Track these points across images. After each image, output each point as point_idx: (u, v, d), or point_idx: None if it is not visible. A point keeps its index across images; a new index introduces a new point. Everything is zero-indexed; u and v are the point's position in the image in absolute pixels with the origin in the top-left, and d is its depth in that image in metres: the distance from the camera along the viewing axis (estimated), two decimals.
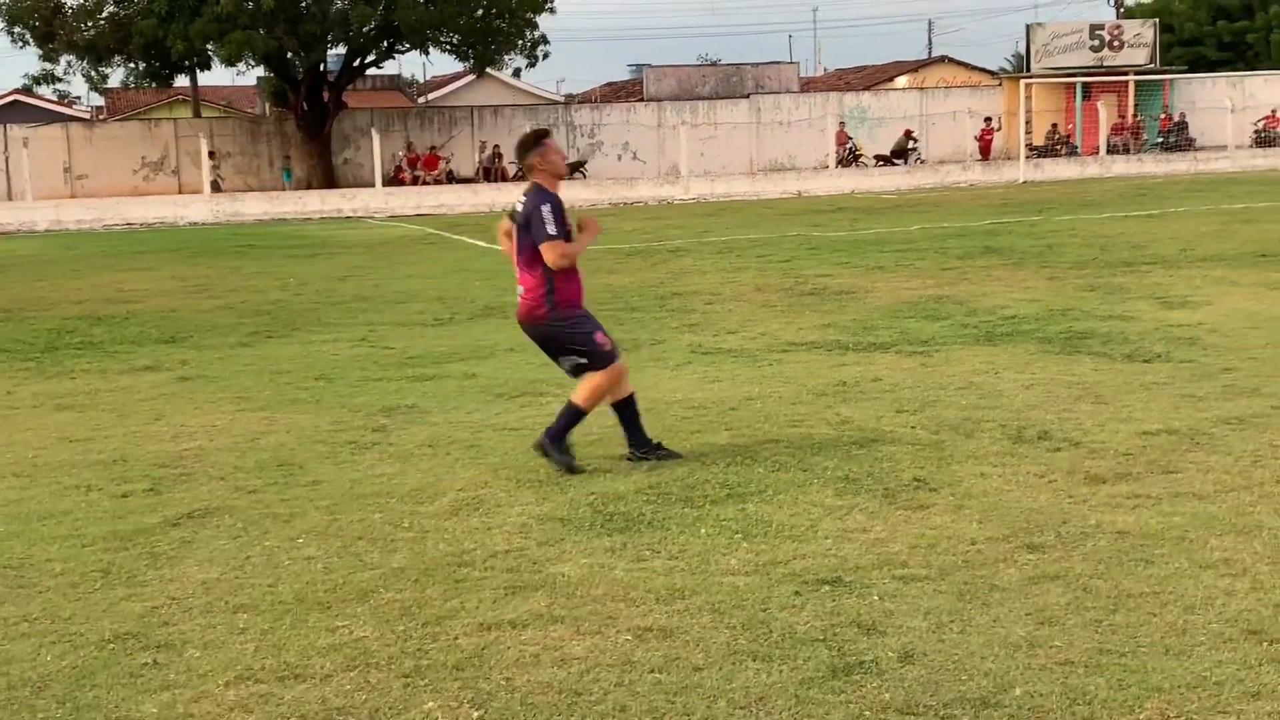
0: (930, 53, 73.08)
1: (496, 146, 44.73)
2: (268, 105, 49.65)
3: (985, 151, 46.04)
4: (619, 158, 47.00)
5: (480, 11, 40.75)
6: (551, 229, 7.16)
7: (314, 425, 8.90)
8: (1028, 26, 49.30)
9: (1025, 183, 38.14)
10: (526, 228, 7.26)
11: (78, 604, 5.52)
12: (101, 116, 58.37)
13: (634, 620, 5.09)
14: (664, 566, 5.70)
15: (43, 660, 4.92)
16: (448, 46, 42.37)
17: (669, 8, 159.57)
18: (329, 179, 42.18)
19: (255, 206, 35.99)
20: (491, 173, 43.82)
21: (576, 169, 44.71)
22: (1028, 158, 41.16)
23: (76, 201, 37.76)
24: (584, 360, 7.42)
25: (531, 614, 5.20)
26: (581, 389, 7.44)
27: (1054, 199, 29.81)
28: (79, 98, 59.86)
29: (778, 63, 53.69)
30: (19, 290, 18.59)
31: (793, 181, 39.49)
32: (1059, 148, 46.01)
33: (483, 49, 41.99)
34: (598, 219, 7.72)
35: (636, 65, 63.76)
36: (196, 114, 50.97)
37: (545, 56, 43.69)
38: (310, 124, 42.91)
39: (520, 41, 42.48)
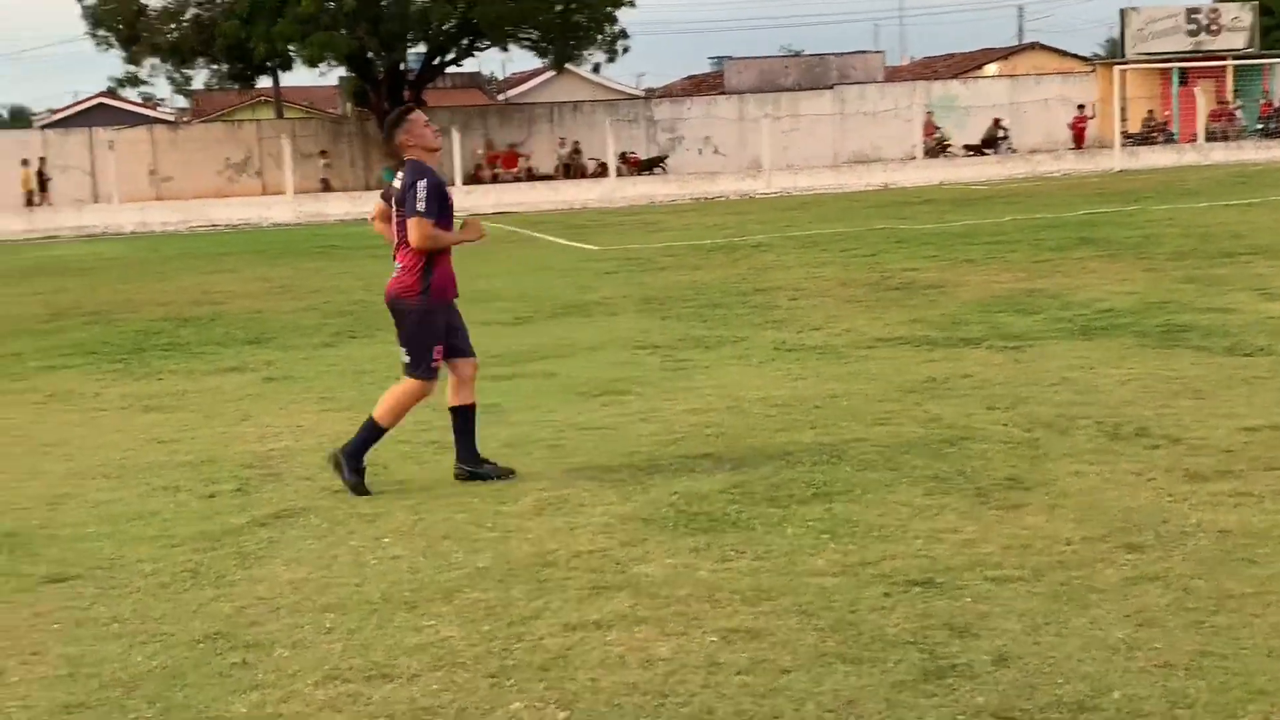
0: (1021, 39, 72.26)
1: (576, 143, 44.84)
2: (349, 105, 50.17)
3: (1079, 140, 45.42)
4: (700, 152, 46.93)
5: (560, 7, 40.88)
6: (422, 205, 6.98)
7: (397, 426, 8.91)
8: (1122, 11, 48.54)
9: (1120, 171, 37.58)
10: (402, 205, 7.10)
11: (168, 604, 5.56)
12: (185, 119, 59.31)
13: (720, 621, 5.03)
14: (749, 567, 5.63)
15: (133, 660, 4.95)
16: (527, 43, 42.55)
17: None
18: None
19: (337, 207, 36.35)
20: (571, 169, 43.93)
21: (656, 164, 44.73)
22: (1123, 145, 40.55)
23: (162, 203, 38.38)
24: (405, 361, 7.26)
25: (616, 614, 5.15)
26: (381, 404, 7.30)
27: (1150, 188, 29.32)
28: (163, 100, 60.90)
29: (862, 52, 53.35)
30: (106, 292, 18.89)
31: (878, 173, 39.21)
32: (1155, 135, 45.29)
33: (562, 45, 42.11)
34: (481, 223, 7.43)
35: (718, 58, 63.79)
36: (279, 115, 51.61)
37: (625, 51, 43.78)
38: None
39: (600, 36, 42.54)
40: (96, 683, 4.76)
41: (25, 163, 40.60)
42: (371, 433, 7.26)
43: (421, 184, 7.01)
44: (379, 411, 7.27)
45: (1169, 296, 12.83)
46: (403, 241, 7.15)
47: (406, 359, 7.24)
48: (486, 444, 8.18)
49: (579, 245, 23.19)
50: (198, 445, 8.65)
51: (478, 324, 13.58)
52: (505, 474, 7.32)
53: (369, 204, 40.22)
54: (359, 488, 7.16)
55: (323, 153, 39.68)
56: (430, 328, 7.19)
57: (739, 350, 11.26)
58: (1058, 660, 4.54)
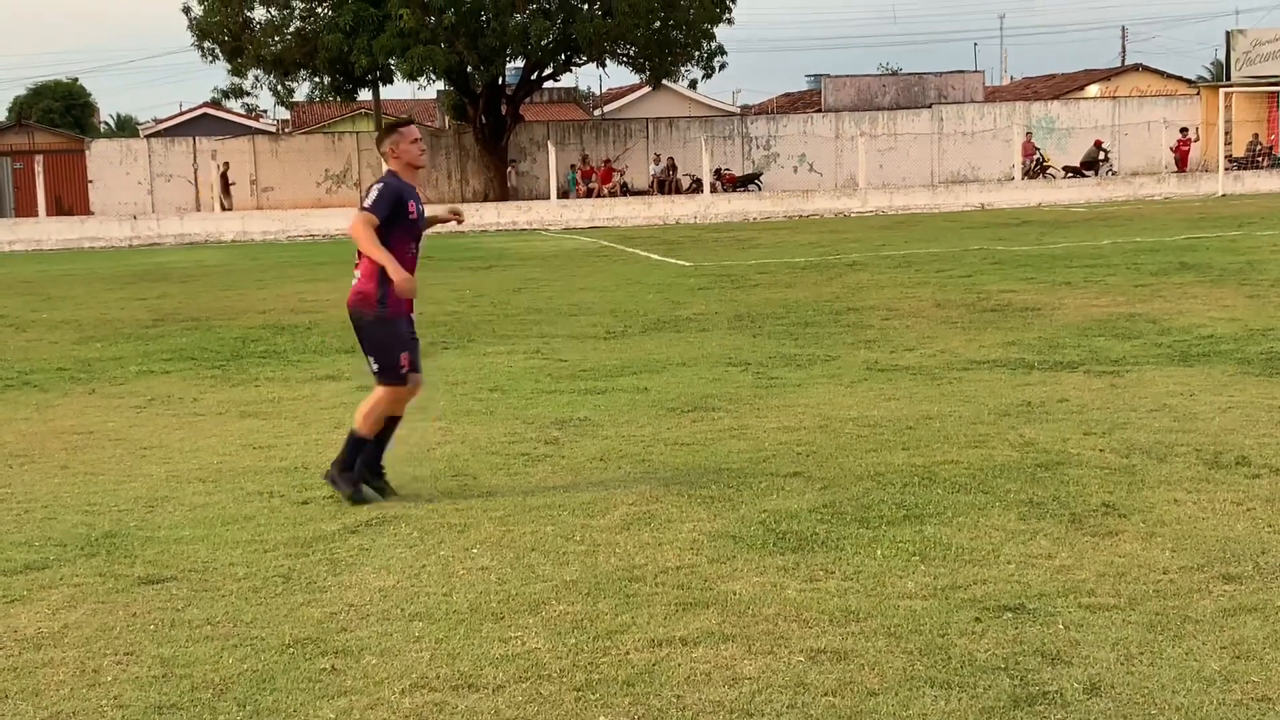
0: (1123, 61, 71.20)
1: (671, 159, 44.92)
2: (447, 118, 50.68)
3: (1181, 163, 44.70)
4: (795, 169, 46.82)
5: (657, 24, 40.98)
6: (368, 202, 7.08)
7: (488, 436, 8.98)
8: (1228, 33, 47.73)
9: (1224, 196, 36.92)
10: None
11: (259, 608, 5.62)
12: (286, 130, 60.21)
13: (807, 641, 4.99)
14: (838, 587, 5.58)
15: (224, 663, 5.02)
16: (624, 59, 42.70)
17: (848, 17, 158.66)
18: (505, 191, 42.82)
19: None
20: (666, 185, 44.00)
21: (751, 181, 44.68)
22: (1226, 170, 39.85)
23: (262, 213, 39.03)
24: (374, 369, 7.29)
25: (702, 631, 5.13)
26: (360, 413, 7.34)
27: (1255, 213, 28.76)
28: (265, 111, 61.92)
29: (961, 71, 52.94)
30: (206, 300, 19.22)
31: (975, 194, 38.86)
32: (1260, 159, 44.42)
33: (659, 61, 42.21)
34: (413, 284, 7.16)
35: (815, 75, 63.49)
36: (378, 127, 52.17)
37: (722, 68, 43.75)
38: (488, 137, 43.64)
39: (697, 53, 42.60)
40: (188, 684, 4.83)
41: (224, 166, 41.40)
42: (356, 444, 7.36)
43: (378, 186, 7.18)
44: (357, 422, 7.37)
45: (1272, 324, 12.56)
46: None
47: (375, 368, 7.32)
48: (576, 456, 8.21)
49: (672, 261, 23.21)
50: (292, 452, 8.76)
51: (571, 337, 13.70)
52: (373, 497, 7.31)
53: (465, 217, 40.18)
54: (357, 497, 7.26)
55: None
56: (393, 335, 7.27)
57: (831, 369, 11.19)
58: (1151, 691, 4.45)
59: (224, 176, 40.97)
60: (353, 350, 13.34)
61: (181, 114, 66.61)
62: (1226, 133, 42.10)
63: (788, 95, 66.20)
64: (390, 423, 7.46)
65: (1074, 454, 7.76)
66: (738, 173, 45.55)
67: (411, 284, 7.18)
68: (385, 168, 7.45)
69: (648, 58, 42.04)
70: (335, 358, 12.98)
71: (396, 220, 7.16)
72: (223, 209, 39.73)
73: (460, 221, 8.10)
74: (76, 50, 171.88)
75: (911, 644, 4.92)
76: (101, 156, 44.05)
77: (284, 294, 19.51)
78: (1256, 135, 45.86)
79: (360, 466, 7.37)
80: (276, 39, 41.77)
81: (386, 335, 7.26)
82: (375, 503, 7.27)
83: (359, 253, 7.26)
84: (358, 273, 7.30)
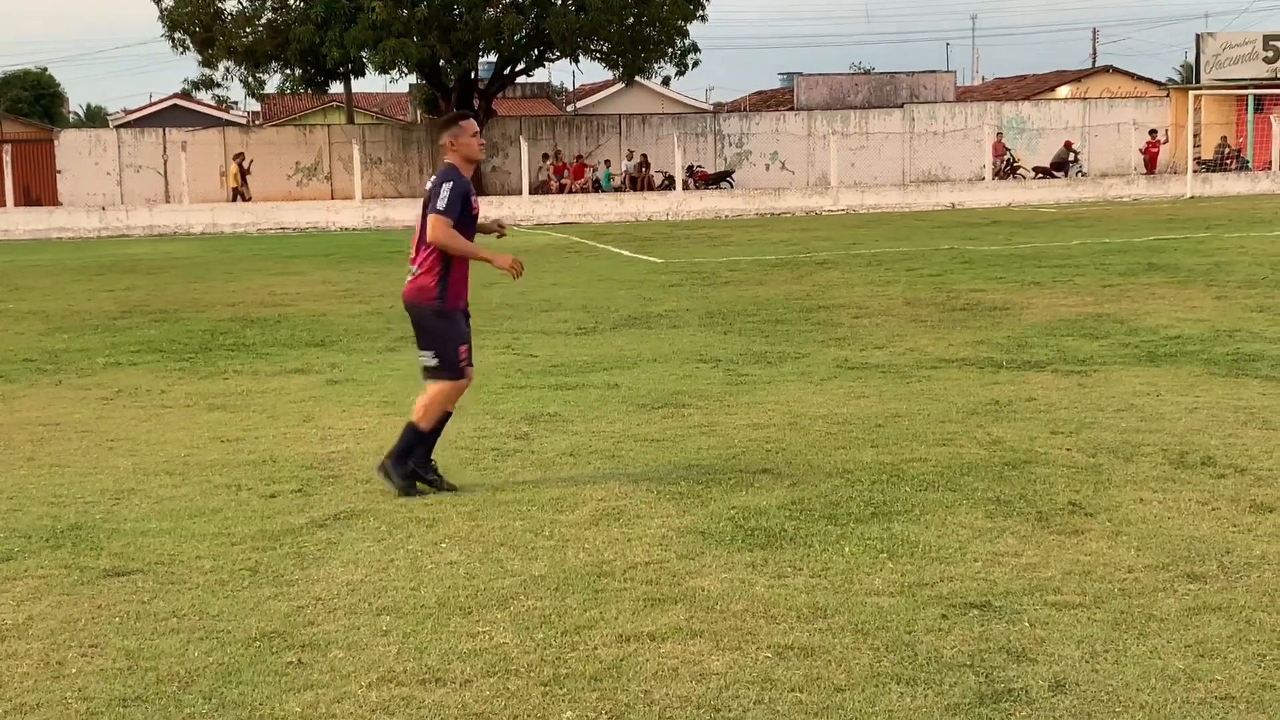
0: (1094, 62, 71.51)
1: (644, 155, 44.92)
2: (419, 112, 50.54)
3: (1151, 165, 44.95)
4: (767, 167, 46.90)
5: (631, 20, 40.97)
6: (443, 204, 7.03)
7: (458, 431, 8.95)
8: (1198, 36, 48.03)
9: (1192, 198, 37.14)
10: (427, 205, 7.14)
11: (226, 601, 5.60)
12: (257, 122, 59.95)
13: (775, 637, 5.00)
14: (806, 584, 5.60)
15: (190, 656, 5.00)
16: (597, 55, 42.67)
17: (821, 15, 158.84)
18: (478, 185, 42.73)
19: (405, 212, 36.59)
20: (638, 182, 44.00)
21: (723, 178, 44.72)
22: (1195, 172, 40.08)
23: (232, 205, 38.79)
24: (434, 364, 7.26)
25: (671, 627, 5.14)
26: (419, 406, 7.31)
27: (1222, 215, 28.95)
28: (236, 103, 61.54)
29: (933, 71, 53.16)
30: (175, 292, 19.12)
31: (946, 193, 39.00)
32: (1229, 162, 44.69)
33: (633, 57, 42.18)
34: (515, 260, 7.29)
35: (787, 73, 63.59)
36: (350, 120, 52.07)
37: (695, 65, 43.77)
38: None
39: (670, 50, 42.59)
40: (154, 677, 4.81)
41: (240, 156, 41.25)
42: (413, 438, 7.31)
43: (447, 185, 7.10)
44: (416, 415, 7.32)
45: (1239, 325, 12.65)
46: (422, 243, 7.19)
47: (433, 362, 7.25)
48: (546, 452, 8.21)
49: (644, 258, 23.21)
50: (260, 445, 8.72)
51: (542, 333, 13.68)
52: (425, 491, 7.29)
53: None
54: (408, 489, 7.22)
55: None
56: (452, 327, 7.24)
57: (801, 367, 11.22)
58: (1116, 689, 4.48)
59: (241, 166, 40.84)
60: (322, 344, 13.33)
61: (151, 105, 66.26)
62: (1195, 135, 42.37)
63: (760, 93, 66.31)
64: (444, 416, 7.41)
65: (1041, 453, 7.80)
66: (710, 170, 45.58)
67: (510, 259, 7.21)
68: (443, 160, 7.35)
69: (621, 54, 42.01)
70: (304, 351, 12.94)
71: (462, 217, 7.14)
72: (243, 199, 39.65)
73: (501, 235, 7.77)
74: (46, 40, 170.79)
75: (878, 640, 4.94)
76: (70, 147, 43.73)
77: (253, 287, 19.43)
78: (1225, 138, 46.15)
79: (422, 462, 7.33)
80: (248, 30, 41.56)
81: (446, 328, 7.23)
82: (425, 495, 7.20)
83: (416, 248, 7.21)
84: (415, 268, 7.23)
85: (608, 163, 44.65)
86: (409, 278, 7.29)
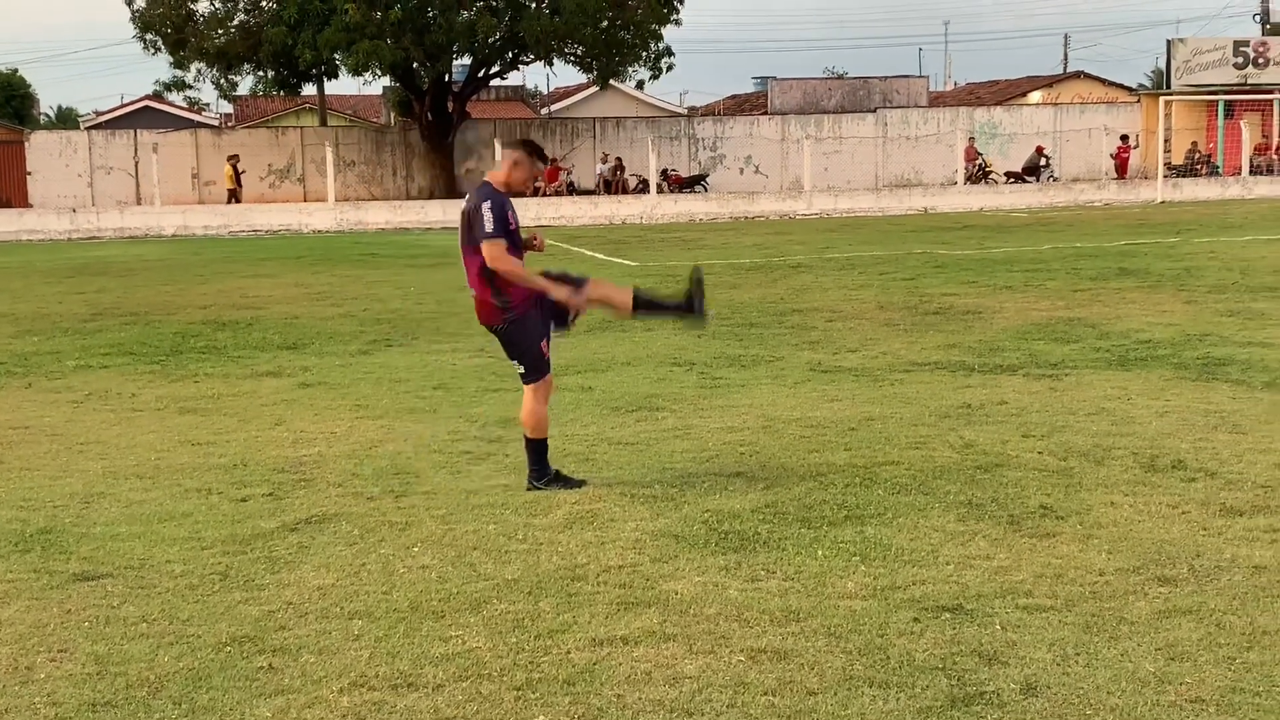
0: (1066, 68, 71.84)
1: (619, 159, 44.91)
2: (392, 115, 50.40)
3: (1121, 170, 45.15)
4: (741, 171, 46.93)
5: (605, 23, 40.92)
6: (490, 226, 7.03)
7: (431, 434, 8.94)
8: (1169, 42, 48.25)
9: (1163, 203, 37.32)
10: (469, 228, 7.15)
11: (196, 606, 5.57)
12: (230, 124, 59.67)
13: (747, 641, 5.01)
14: (779, 587, 5.61)
15: (160, 661, 4.97)
16: (572, 58, 42.62)
17: (796, 20, 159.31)
18: (451, 188, 42.65)
19: (378, 215, 36.52)
20: (613, 185, 43.98)
21: (697, 182, 44.74)
22: (1166, 177, 40.25)
23: (204, 207, 38.63)
24: (521, 370, 7.33)
25: (644, 631, 5.14)
26: (525, 421, 7.37)
27: (1193, 220, 29.12)
28: (208, 105, 61.21)
29: (906, 76, 53.28)
30: (146, 294, 19.01)
31: (919, 198, 39.08)
32: (1199, 167, 44.92)
33: (607, 61, 42.13)
34: (583, 304, 7.39)
35: (761, 78, 63.60)
36: (323, 123, 51.91)
37: (669, 69, 43.71)
38: (434, 134, 43.45)
39: (644, 54, 42.57)
40: (123, 682, 4.78)
41: (233, 159, 41.13)
42: (537, 449, 7.37)
43: (487, 205, 7.08)
44: (527, 430, 7.38)
45: (1208, 329, 12.73)
46: (468, 262, 7.21)
47: (521, 369, 7.34)
48: (519, 455, 8.19)
49: (618, 261, 23.20)
50: (231, 448, 8.68)
51: None
52: (579, 482, 7.42)
53: (410, 214, 40.02)
54: (571, 483, 7.31)
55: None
56: (528, 331, 7.27)
57: (774, 370, 11.23)
58: (1087, 692, 4.50)
59: (235, 167, 40.70)
60: (294, 347, 13.28)
61: (122, 106, 65.84)
62: (1166, 140, 42.55)
63: (734, 97, 66.37)
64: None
65: (1013, 456, 7.83)
66: (684, 174, 45.60)
67: (579, 301, 7.27)
68: (487, 173, 7.35)
69: (595, 57, 41.95)
70: (276, 354, 12.89)
71: (507, 232, 7.13)
72: (236, 201, 39.54)
73: (540, 248, 7.62)
74: (17, 41, 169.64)
75: (851, 644, 4.95)
76: (41, 148, 43.43)
77: (225, 289, 19.34)
78: (1195, 143, 46.38)
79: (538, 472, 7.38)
80: (220, 32, 41.34)
81: (522, 334, 7.28)
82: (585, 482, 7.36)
83: (467, 269, 7.21)
84: (473, 291, 7.27)
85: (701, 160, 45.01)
86: (474, 302, 7.33)
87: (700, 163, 46.79)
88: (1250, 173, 42.07)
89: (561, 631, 5.16)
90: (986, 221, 31.66)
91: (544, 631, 5.16)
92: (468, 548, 6.29)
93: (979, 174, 44.00)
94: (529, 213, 36.56)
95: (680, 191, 42.91)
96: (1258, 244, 22.41)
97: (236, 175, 40.68)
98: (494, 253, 7.05)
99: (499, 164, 7.32)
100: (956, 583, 5.61)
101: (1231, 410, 9.03)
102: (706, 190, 43.56)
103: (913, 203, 38.53)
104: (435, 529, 6.61)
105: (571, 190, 43.46)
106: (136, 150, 43.27)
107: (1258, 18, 57.67)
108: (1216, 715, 4.30)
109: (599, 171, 44.95)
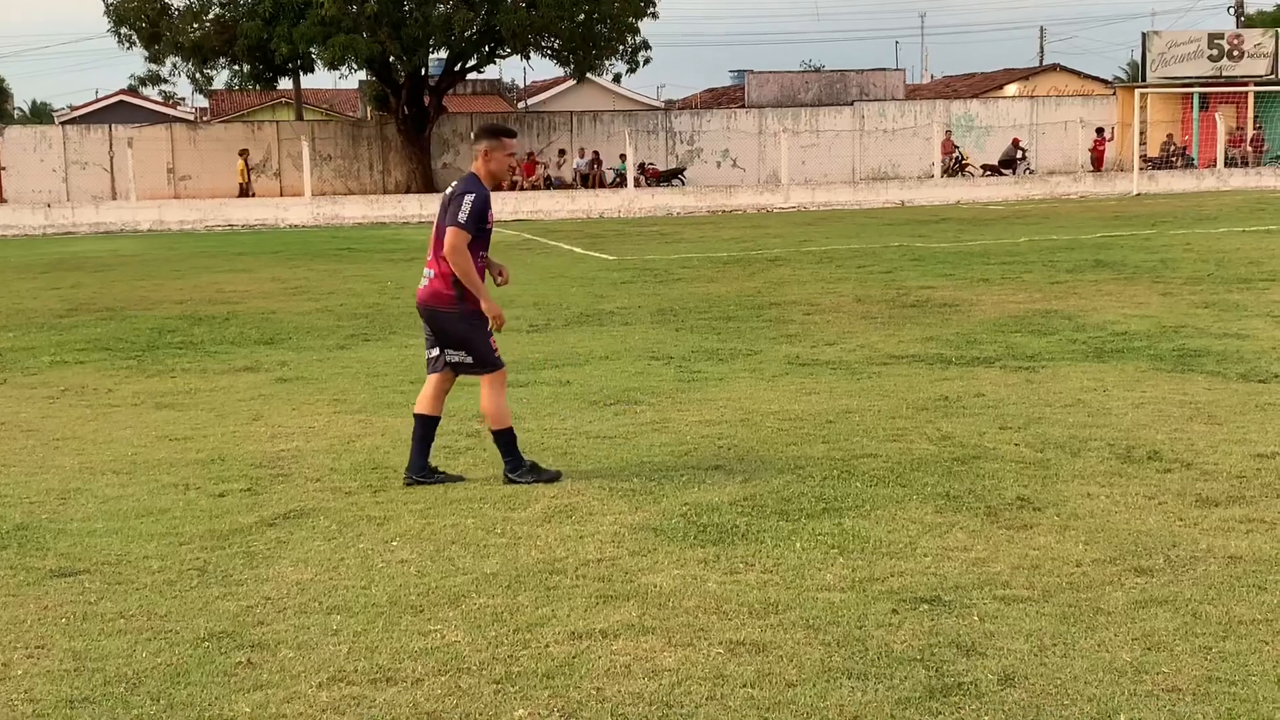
0: (1042, 61, 72.04)
1: (596, 153, 44.89)
2: (369, 109, 50.27)
3: (1097, 162, 45.32)
4: (718, 165, 46.96)
5: (582, 17, 40.89)
6: (464, 217, 7.07)
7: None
8: (1144, 35, 48.44)
9: (1138, 195, 37.48)
10: (445, 211, 7.18)
11: (174, 601, 5.56)
12: (205, 118, 59.43)
13: (726, 634, 5.02)
14: (758, 580, 5.62)
15: (138, 657, 4.95)
16: (548, 52, 42.56)
17: (772, 13, 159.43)
18: (428, 183, 42.57)
19: (354, 209, 36.43)
20: (590, 179, 43.97)
21: (674, 176, 44.75)
22: (1141, 169, 40.42)
23: (180, 202, 38.46)
24: (469, 361, 7.34)
25: (623, 624, 5.14)
26: (488, 415, 7.41)
27: (1168, 212, 29.25)
28: (183, 99, 60.96)
29: (883, 69, 53.33)
30: (122, 289, 18.93)
31: (896, 191, 39.17)
32: (1174, 160, 45.12)
33: (583, 54, 42.10)
34: (502, 314, 7.39)
35: (738, 71, 63.54)
36: (299, 117, 51.70)
37: (646, 62, 43.78)
38: (411, 128, 43.35)
39: (621, 47, 42.56)
40: (101, 678, 4.76)
41: (244, 154, 41.07)
42: (505, 439, 7.37)
43: (470, 197, 7.13)
44: (491, 423, 7.40)
45: (1184, 321, 12.79)
46: (436, 246, 7.23)
47: (469, 359, 7.34)
48: (495, 450, 8.17)
49: (596, 255, 23.19)
50: (209, 444, 8.66)
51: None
52: (454, 479, 7.43)
53: (387, 208, 39.99)
54: (551, 476, 7.32)
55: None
56: (475, 325, 7.28)
57: (752, 363, 11.25)
58: (1064, 682, 4.52)
59: (246, 161, 40.63)
60: (271, 342, 13.23)
61: (97, 101, 65.50)
62: (1142, 133, 42.71)
63: (711, 90, 66.34)
64: (432, 423, 7.45)
65: (990, 448, 7.86)
66: (662, 167, 45.61)
67: (499, 311, 7.29)
68: (470, 169, 7.38)
69: (571, 51, 41.90)
70: (253, 349, 12.85)
71: (479, 232, 7.16)
72: (250, 194, 39.56)
73: (501, 282, 7.61)
74: None
75: (829, 636, 4.96)
76: (15, 143, 43.21)
77: (201, 284, 19.26)
78: (1171, 136, 46.60)
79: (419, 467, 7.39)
80: (195, 26, 41.16)
81: (469, 328, 7.27)
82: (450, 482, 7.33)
83: (434, 252, 7.22)
84: (430, 271, 7.27)
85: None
86: (424, 281, 7.32)
87: (678, 156, 46.81)
88: (1225, 165, 42.27)
89: (540, 625, 5.16)
90: (963, 214, 31.75)
91: (523, 625, 5.16)
92: (446, 542, 6.29)
93: (956, 167, 44.12)
94: (506, 207, 36.55)
95: (658, 185, 42.92)
96: (1232, 236, 22.52)
97: (247, 169, 40.65)
98: (455, 242, 7.09)
99: (474, 161, 7.31)
100: (934, 574, 5.63)
101: (1207, 401, 9.08)
102: (684, 184, 43.57)
103: (890, 196, 38.61)
104: (413, 523, 6.61)
105: (548, 184, 43.43)
106: (112, 145, 43.07)
107: (1232, 10, 57.91)
108: (1193, 704, 4.33)
109: (576, 166, 44.93)
